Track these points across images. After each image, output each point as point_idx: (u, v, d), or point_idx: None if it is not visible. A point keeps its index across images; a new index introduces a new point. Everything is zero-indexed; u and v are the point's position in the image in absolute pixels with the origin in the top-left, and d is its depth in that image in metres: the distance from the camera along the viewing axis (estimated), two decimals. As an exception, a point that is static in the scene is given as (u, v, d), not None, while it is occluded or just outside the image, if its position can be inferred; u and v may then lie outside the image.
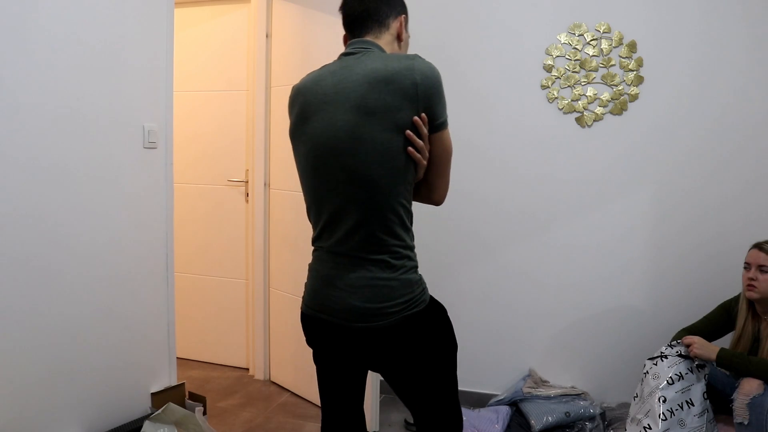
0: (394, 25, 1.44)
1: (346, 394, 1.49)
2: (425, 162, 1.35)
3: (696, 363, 2.16)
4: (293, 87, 1.45)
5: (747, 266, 2.19)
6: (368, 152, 1.28)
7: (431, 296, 1.43)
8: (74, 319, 2.05)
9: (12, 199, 1.82)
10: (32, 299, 1.90)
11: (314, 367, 1.54)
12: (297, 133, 1.42)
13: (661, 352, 2.20)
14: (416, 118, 1.29)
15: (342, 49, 1.46)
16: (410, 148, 1.30)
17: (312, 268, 1.45)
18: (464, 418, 2.58)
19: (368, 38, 1.41)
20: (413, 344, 1.36)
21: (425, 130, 1.31)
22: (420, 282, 1.39)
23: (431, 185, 1.41)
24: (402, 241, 1.35)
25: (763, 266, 2.14)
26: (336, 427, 1.52)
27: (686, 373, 2.13)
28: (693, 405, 2.09)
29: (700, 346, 2.12)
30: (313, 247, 1.46)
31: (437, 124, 1.33)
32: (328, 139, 1.32)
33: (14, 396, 1.85)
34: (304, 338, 1.51)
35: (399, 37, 1.46)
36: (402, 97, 1.28)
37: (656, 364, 2.18)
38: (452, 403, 1.48)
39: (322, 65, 1.43)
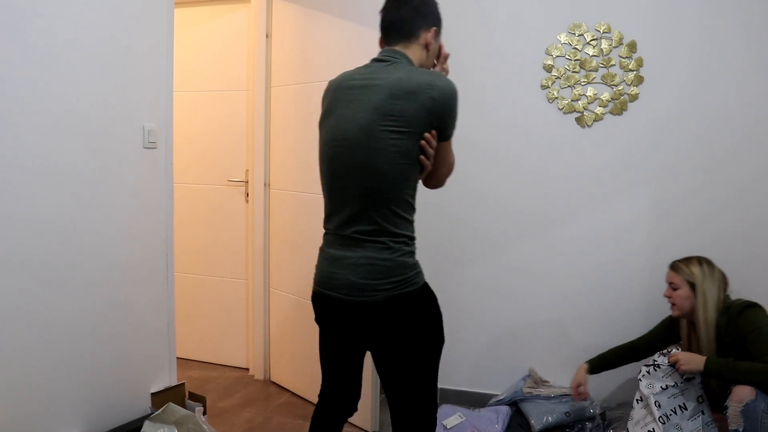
0: (424, 36, 1.60)
1: (344, 366, 1.66)
2: (430, 167, 1.55)
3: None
4: (329, 81, 1.64)
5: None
6: (381, 149, 1.46)
7: (426, 283, 1.57)
8: (74, 319, 2.04)
9: (10, 198, 1.82)
10: (31, 299, 1.89)
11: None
12: (323, 123, 1.60)
13: (654, 360, 2.21)
14: (427, 134, 1.48)
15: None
16: (422, 156, 1.50)
17: (322, 250, 1.62)
18: (464, 418, 2.58)
19: (398, 48, 1.59)
20: (401, 321, 1.51)
21: (434, 143, 1.51)
22: (415, 266, 1.54)
23: (427, 176, 1.63)
24: (402, 229, 1.51)
25: (672, 283, 2.21)
26: (332, 392, 1.70)
27: (681, 382, 2.15)
28: (686, 409, 2.11)
29: (686, 361, 2.09)
30: (324, 231, 1.62)
31: (444, 135, 1.54)
32: (348, 132, 1.49)
33: (14, 395, 1.85)
34: (314, 316, 1.67)
35: (427, 47, 1.61)
36: (419, 107, 1.45)
37: (649, 373, 2.20)
38: (428, 394, 1.56)
39: (356, 67, 1.61)
